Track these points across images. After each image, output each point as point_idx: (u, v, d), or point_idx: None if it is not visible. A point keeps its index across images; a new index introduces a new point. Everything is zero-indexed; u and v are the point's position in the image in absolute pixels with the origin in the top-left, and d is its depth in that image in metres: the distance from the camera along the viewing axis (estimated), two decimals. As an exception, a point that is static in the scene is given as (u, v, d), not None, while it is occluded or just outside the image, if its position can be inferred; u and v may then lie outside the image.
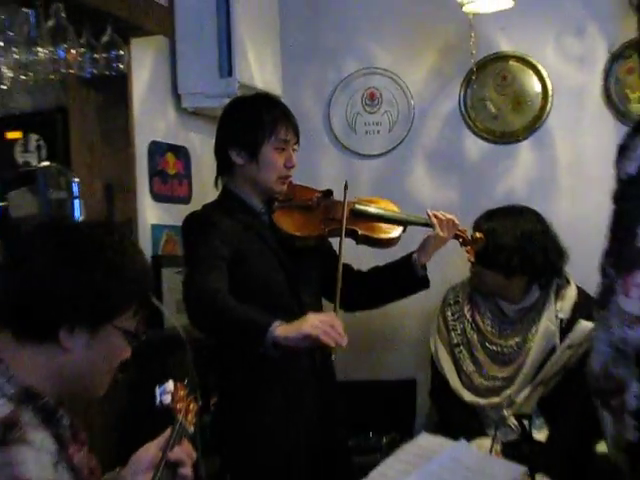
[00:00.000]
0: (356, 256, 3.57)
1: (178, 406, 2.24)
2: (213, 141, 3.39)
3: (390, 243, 3.54)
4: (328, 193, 3.46)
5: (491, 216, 3.75)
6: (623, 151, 1.65)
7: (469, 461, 2.09)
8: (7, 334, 1.92)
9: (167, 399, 2.31)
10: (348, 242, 3.38)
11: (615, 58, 4.16)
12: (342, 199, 3.38)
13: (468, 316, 3.84)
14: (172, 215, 4.04)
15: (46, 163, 3.60)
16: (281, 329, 2.83)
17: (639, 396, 1.53)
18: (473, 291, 3.86)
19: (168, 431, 2.17)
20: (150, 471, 2.06)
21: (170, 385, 2.32)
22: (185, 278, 3.13)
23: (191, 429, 2.23)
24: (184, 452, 2.12)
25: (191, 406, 2.28)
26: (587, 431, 3.38)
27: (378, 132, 4.70)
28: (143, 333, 2.07)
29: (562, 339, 3.54)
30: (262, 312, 2.95)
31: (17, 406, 1.83)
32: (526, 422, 3.30)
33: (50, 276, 1.89)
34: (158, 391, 2.34)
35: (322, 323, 2.84)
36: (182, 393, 2.28)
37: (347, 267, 3.46)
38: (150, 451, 2.13)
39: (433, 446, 2.17)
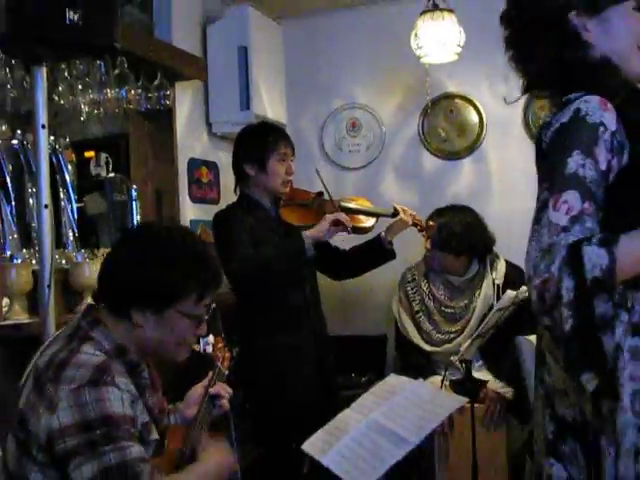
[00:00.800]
0: (341, 242, 3.60)
1: (217, 354, 2.31)
2: None
3: (367, 230, 3.57)
4: (320, 194, 3.48)
5: (444, 212, 3.80)
6: (547, 125, 1.64)
7: (425, 394, 2.12)
8: (105, 307, 1.96)
9: (209, 348, 2.39)
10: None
11: (532, 98, 4.13)
12: (330, 200, 3.40)
13: (425, 289, 3.85)
14: (205, 212, 4.04)
15: (112, 174, 3.62)
16: (310, 231, 3.14)
17: (571, 289, 1.42)
18: (428, 271, 3.88)
19: (210, 374, 2.24)
20: (197, 404, 2.19)
21: (211, 338, 2.39)
22: (221, 258, 3.12)
23: (226, 372, 2.29)
24: (222, 389, 2.22)
25: (226, 355, 2.34)
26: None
27: (358, 151, 4.70)
28: (207, 314, 2.04)
29: (498, 300, 3.51)
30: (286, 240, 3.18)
31: (110, 357, 1.85)
32: (468, 364, 3.33)
33: (124, 268, 1.92)
34: (202, 341, 2.41)
35: (337, 213, 3.19)
36: (220, 345, 2.35)
37: (335, 247, 3.54)
38: (197, 390, 2.26)
39: (399, 383, 2.22)
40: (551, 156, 1.59)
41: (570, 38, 1.68)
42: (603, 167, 1.53)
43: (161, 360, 2.11)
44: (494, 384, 3.61)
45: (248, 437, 3.54)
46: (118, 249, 2.03)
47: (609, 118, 1.55)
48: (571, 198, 1.49)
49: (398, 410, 2.07)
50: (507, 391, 3.56)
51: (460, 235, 3.71)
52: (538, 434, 1.71)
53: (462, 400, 2.19)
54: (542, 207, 1.53)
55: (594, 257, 1.42)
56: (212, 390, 2.22)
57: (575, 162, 1.51)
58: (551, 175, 1.55)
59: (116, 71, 3.33)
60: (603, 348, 1.43)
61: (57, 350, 1.86)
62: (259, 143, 3.33)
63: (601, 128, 1.54)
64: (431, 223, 3.68)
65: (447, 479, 3.57)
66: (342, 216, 3.18)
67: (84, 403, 1.73)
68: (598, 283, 1.42)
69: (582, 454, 1.58)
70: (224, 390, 2.24)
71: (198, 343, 2.36)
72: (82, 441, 1.71)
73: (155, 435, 1.98)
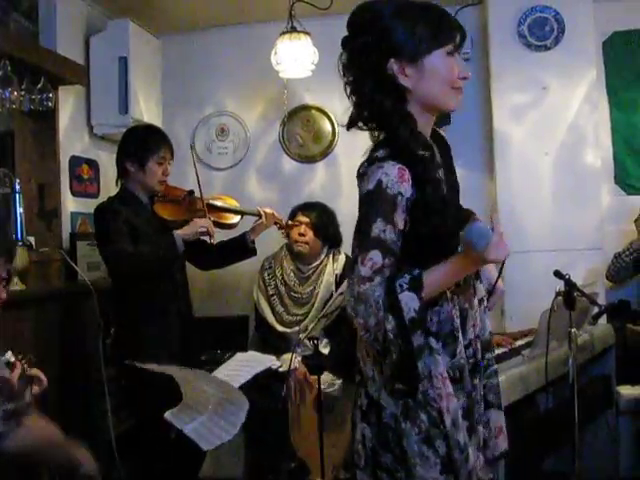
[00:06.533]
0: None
1: (18, 360, 2.23)
2: (114, 156, 3.34)
3: (232, 227, 3.59)
4: (191, 192, 3.45)
5: (309, 207, 3.88)
6: (362, 176, 1.74)
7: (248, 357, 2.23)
8: None
9: (11, 359, 2.28)
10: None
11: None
12: (200, 197, 3.39)
13: (279, 276, 3.88)
14: (85, 206, 3.96)
15: (-3, 169, 3.50)
16: (181, 231, 3.15)
17: (393, 329, 1.61)
18: (282, 260, 3.92)
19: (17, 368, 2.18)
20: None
21: (9, 353, 2.32)
22: (102, 251, 3.15)
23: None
24: (34, 371, 2.23)
25: (26, 361, 2.26)
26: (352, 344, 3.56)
27: (226, 153, 4.70)
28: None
29: (337, 288, 3.65)
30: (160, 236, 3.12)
31: None
32: (315, 342, 3.35)
33: None
34: (2, 359, 2.30)
35: (206, 221, 3.23)
36: (17, 354, 2.25)
37: (202, 241, 3.43)
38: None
39: (246, 357, 2.32)
40: (360, 220, 1.70)
41: (387, 83, 1.73)
42: (400, 227, 1.67)
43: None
44: (325, 378, 3.60)
45: (122, 408, 3.47)
46: None
47: (405, 187, 1.67)
48: (374, 257, 1.63)
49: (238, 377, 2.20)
50: (333, 390, 3.64)
51: (322, 225, 3.83)
52: (357, 405, 1.86)
53: (272, 358, 2.48)
54: (354, 262, 1.66)
55: (409, 302, 1.62)
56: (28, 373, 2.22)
57: (378, 228, 1.65)
58: (360, 238, 1.68)
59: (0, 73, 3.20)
60: (417, 371, 1.67)
61: None
62: (142, 144, 3.27)
63: (399, 197, 1.66)
64: (290, 222, 3.77)
65: (299, 440, 3.61)
66: (209, 224, 3.22)
67: None
68: (414, 321, 1.62)
69: (375, 424, 1.78)
70: (36, 373, 2.25)
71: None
72: None
73: None
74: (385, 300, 1.61)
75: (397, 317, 1.61)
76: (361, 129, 1.84)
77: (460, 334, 1.77)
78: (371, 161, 1.73)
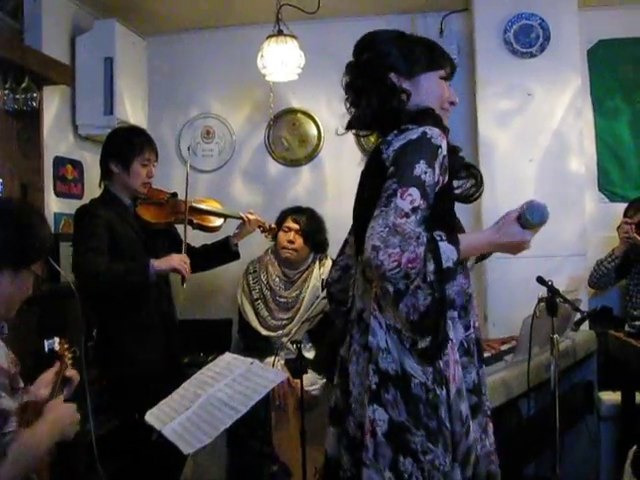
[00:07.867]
0: (193, 237, 3.56)
1: (63, 350, 2.28)
2: (99, 157, 3.31)
3: (215, 230, 3.58)
4: (175, 194, 3.44)
5: (299, 212, 3.89)
6: (388, 143, 1.83)
7: (255, 371, 2.21)
8: None
9: (55, 347, 2.33)
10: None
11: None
12: (184, 199, 3.37)
13: (264, 280, 3.88)
14: (69, 206, 3.91)
15: (-20, 169, 3.47)
16: (157, 262, 3.07)
17: (432, 272, 1.67)
18: (268, 264, 3.91)
19: (58, 363, 2.22)
20: (48, 386, 2.12)
21: (56, 340, 2.35)
22: (73, 258, 3.09)
23: (70, 362, 2.27)
24: (73, 374, 2.22)
25: (70, 354, 2.31)
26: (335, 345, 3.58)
27: (211, 156, 4.70)
28: (43, 279, 2.02)
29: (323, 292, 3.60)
30: (134, 260, 3.09)
31: None
32: (298, 345, 3.29)
33: None
34: (47, 343, 2.36)
35: (182, 260, 3.15)
36: (64, 344, 2.31)
37: (188, 244, 3.44)
38: (48, 374, 2.19)
39: (232, 361, 2.29)
40: (401, 160, 1.75)
41: (391, 92, 1.91)
42: (436, 179, 1.74)
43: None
44: (307, 377, 3.59)
45: (103, 410, 3.45)
46: None
47: (444, 145, 1.78)
48: (414, 193, 1.68)
49: (232, 384, 2.13)
50: (314, 389, 3.65)
51: (309, 230, 3.83)
52: (358, 392, 1.85)
53: (282, 376, 2.31)
54: (391, 195, 1.69)
55: (447, 251, 1.69)
56: (67, 373, 2.20)
57: (420, 168, 1.71)
58: (401, 173, 1.72)
59: (-17, 73, 3.19)
60: (445, 325, 1.73)
61: None
62: (127, 145, 3.25)
63: (439, 150, 1.75)
64: (273, 225, 3.78)
65: (281, 444, 3.61)
66: (184, 266, 3.15)
67: None
68: (450, 271, 1.71)
69: (402, 399, 1.74)
70: (74, 374, 2.24)
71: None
72: None
73: (22, 384, 1.94)
74: (427, 243, 1.66)
75: (436, 262, 1.67)
76: (357, 135, 2.08)
77: (471, 308, 1.88)
78: (400, 132, 1.84)
